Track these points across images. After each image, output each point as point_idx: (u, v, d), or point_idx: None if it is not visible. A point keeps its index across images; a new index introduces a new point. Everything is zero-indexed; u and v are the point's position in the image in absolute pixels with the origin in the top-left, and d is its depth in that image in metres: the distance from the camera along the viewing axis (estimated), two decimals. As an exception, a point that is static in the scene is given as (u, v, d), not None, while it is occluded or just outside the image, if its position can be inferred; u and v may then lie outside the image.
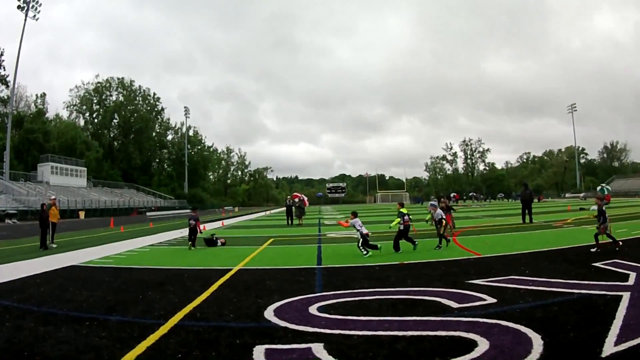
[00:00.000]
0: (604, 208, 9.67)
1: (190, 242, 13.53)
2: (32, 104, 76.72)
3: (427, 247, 11.21)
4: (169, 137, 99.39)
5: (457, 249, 11.01)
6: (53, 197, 19.13)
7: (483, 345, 3.97)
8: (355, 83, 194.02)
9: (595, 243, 9.45)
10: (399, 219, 10.84)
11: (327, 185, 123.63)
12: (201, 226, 14.14)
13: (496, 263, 8.45)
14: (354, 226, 10.72)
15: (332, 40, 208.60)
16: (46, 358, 4.33)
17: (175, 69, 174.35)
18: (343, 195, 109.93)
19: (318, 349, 4.15)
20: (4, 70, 63.28)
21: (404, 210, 11.03)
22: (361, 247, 10.32)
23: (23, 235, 21.50)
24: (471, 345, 3.99)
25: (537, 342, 3.96)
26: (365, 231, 10.47)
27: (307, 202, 31.51)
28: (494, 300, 5.58)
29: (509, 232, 15.12)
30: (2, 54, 62.78)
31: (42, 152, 62.66)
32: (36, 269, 9.92)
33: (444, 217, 11.73)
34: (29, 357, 4.35)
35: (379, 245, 10.33)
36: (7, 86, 62.84)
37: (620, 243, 9.47)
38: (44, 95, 79.69)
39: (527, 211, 18.56)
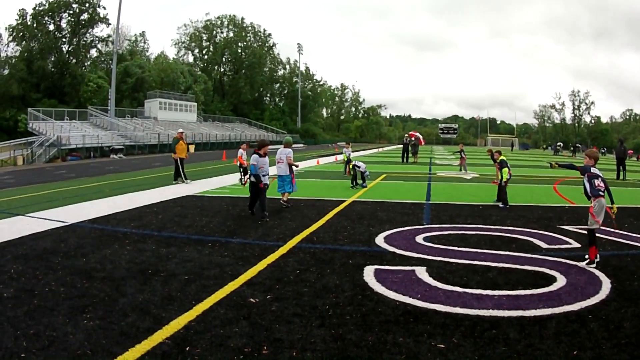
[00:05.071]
0: None
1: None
2: (130, 42, 73.94)
3: (527, 192, 12.34)
4: (280, 73, 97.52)
5: (555, 197, 11.56)
6: (180, 130, 15.20)
7: (561, 281, 4.62)
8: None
9: None
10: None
11: (439, 125, 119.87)
12: (349, 150, 15.85)
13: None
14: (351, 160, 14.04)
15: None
16: (171, 274, 4.72)
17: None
18: (455, 136, 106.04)
19: (421, 271, 4.87)
20: (104, 9, 60.67)
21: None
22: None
23: (131, 169, 21.32)
24: (551, 280, 4.66)
25: (606, 286, 4.52)
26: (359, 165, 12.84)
27: (422, 141, 31.78)
28: (579, 245, 6.19)
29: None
30: None
31: (147, 89, 60.41)
32: (151, 199, 10.31)
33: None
34: (153, 274, 4.72)
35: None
36: (108, 24, 61.48)
37: None
38: (143, 33, 77.95)
39: (621, 167, 17.77)
